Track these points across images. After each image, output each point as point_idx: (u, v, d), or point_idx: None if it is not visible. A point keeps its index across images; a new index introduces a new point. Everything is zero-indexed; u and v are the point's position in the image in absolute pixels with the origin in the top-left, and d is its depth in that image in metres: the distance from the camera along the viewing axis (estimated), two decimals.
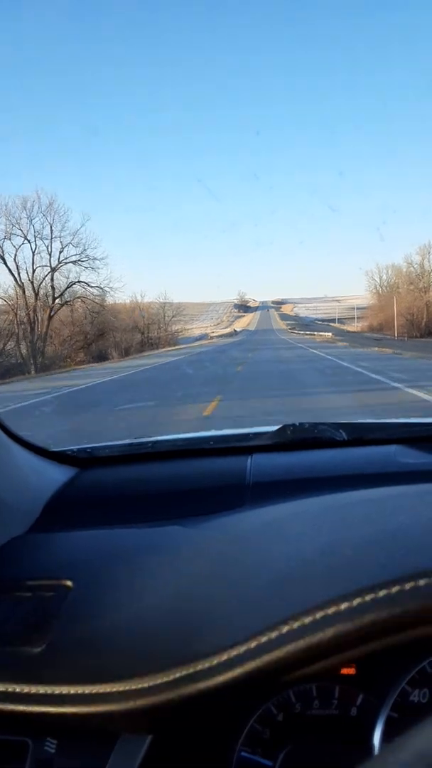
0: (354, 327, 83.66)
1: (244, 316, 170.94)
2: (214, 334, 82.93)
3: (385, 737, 0.59)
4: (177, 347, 54.56)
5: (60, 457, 1.13)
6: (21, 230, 36.72)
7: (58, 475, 1.07)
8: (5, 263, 36.26)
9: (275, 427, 1.26)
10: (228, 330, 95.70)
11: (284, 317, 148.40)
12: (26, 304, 35.89)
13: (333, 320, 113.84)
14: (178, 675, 0.50)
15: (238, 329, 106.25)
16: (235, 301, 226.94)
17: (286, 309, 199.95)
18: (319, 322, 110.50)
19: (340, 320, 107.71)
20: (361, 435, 1.22)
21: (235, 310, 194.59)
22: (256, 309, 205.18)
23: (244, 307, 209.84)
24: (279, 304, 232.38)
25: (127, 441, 1.32)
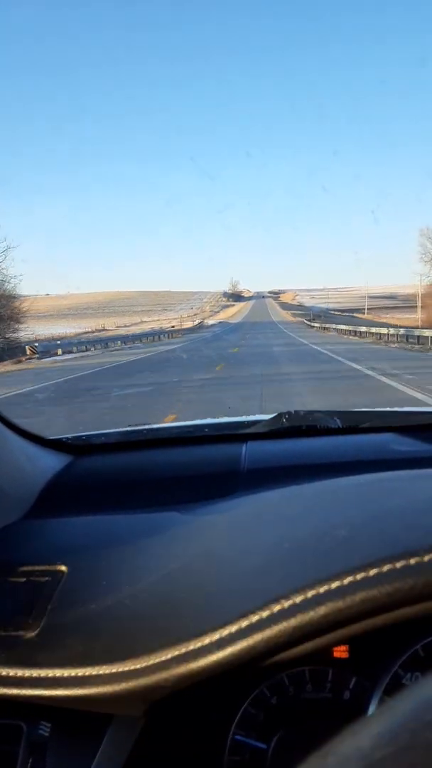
0: (405, 320, 49.70)
1: (233, 305, 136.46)
2: (173, 329, 47.87)
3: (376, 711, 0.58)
4: None
5: (55, 445, 1.12)
6: None
7: (53, 462, 1.07)
8: None
9: (271, 415, 1.25)
10: (190, 324, 58.37)
11: (286, 307, 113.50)
12: None
13: (356, 310, 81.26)
14: (170, 656, 0.51)
15: (212, 322, 71.57)
16: (226, 290, 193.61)
17: (286, 298, 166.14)
18: (336, 313, 76.31)
19: (367, 310, 74.95)
20: (356, 423, 1.22)
21: (224, 299, 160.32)
22: (250, 299, 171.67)
23: (236, 296, 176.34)
24: (276, 294, 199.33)
25: (123, 429, 1.31)
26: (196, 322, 63.20)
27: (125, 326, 63.16)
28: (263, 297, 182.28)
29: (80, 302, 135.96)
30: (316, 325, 48.51)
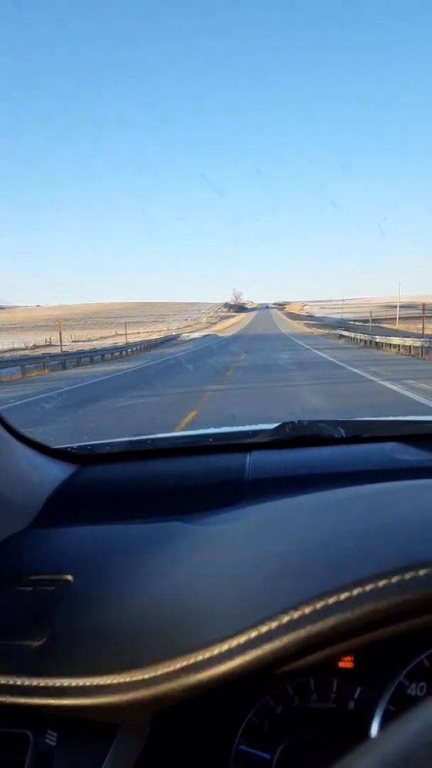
0: None
1: (233, 316, 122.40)
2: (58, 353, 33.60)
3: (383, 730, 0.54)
4: None
5: (61, 455, 1.13)
6: None
7: (58, 472, 1.07)
8: None
9: (275, 425, 1.25)
10: (149, 337, 42.68)
11: (295, 317, 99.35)
12: None
13: (375, 321, 67.46)
14: (177, 666, 0.50)
15: (196, 335, 57.18)
16: (228, 301, 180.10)
17: (293, 308, 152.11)
18: (357, 323, 61.97)
19: (388, 319, 61.44)
20: (359, 432, 1.21)
21: (224, 309, 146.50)
22: (253, 310, 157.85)
23: (238, 308, 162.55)
24: (281, 305, 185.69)
25: (127, 438, 1.31)
26: (152, 335, 48.04)
27: (89, 340, 49.36)
28: (267, 308, 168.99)
29: (64, 313, 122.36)
30: (400, 341, 21.32)
